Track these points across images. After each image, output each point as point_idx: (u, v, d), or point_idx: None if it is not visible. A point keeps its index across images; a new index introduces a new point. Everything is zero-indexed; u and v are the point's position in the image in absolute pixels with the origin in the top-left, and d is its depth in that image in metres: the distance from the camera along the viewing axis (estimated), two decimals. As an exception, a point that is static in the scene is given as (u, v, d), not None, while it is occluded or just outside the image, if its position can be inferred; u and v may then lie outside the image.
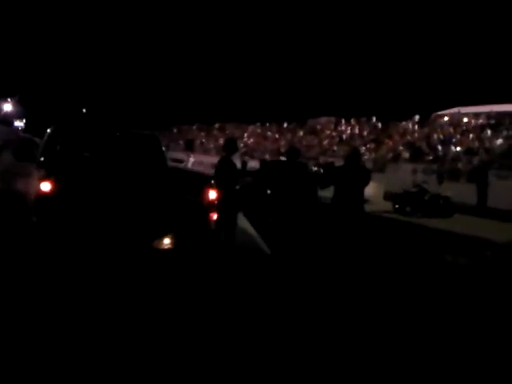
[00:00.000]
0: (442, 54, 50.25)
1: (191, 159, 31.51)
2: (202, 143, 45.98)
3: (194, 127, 51.68)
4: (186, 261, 5.52)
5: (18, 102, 40.46)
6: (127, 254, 5.23)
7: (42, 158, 6.53)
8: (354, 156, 6.71)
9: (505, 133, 27.49)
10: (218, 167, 7.28)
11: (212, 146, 43.62)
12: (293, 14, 66.08)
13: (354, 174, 6.61)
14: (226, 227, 6.78)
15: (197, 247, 5.63)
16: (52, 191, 5.27)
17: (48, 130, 7.44)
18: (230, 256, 6.46)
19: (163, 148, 7.75)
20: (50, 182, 5.32)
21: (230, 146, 7.48)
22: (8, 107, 38.00)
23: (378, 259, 7.72)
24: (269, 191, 8.36)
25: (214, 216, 5.91)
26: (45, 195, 5.28)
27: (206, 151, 41.69)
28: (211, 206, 5.88)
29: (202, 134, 49.24)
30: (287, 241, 7.14)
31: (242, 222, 8.25)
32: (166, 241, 5.41)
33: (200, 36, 64.48)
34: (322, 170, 17.87)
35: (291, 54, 61.94)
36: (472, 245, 10.82)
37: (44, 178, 5.38)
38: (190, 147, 39.50)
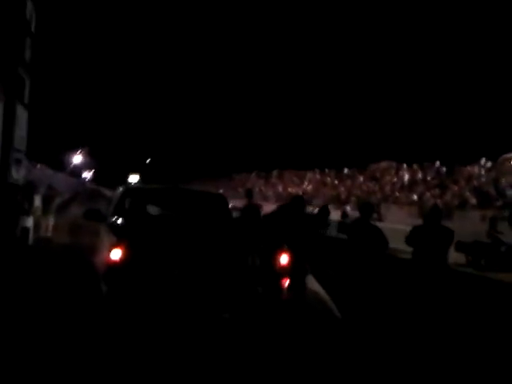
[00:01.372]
0: (508, 93, 48.67)
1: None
2: (260, 190, 46.15)
3: (253, 175, 52.11)
4: (258, 332, 5.22)
5: (88, 154, 42.45)
6: (201, 326, 4.98)
7: (113, 220, 6.48)
8: (434, 214, 6.30)
9: None
10: (287, 225, 7.06)
11: (271, 193, 43.68)
12: (349, 58, 66.67)
13: (436, 234, 6.19)
14: (295, 291, 6.48)
15: (270, 319, 5.31)
16: (125, 259, 5.09)
17: (119, 189, 7.49)
18: (300, 323, 6.12)
19: (230, 206, 7.65)
20: (123, 248, 5.16)
21: (299, 204, 7.26)
22: (77, 159, 39.90)
23: (459, 326, 7.09)
24: None
25: (286, 283, 5.62)
26: (117, 263, 5.11)
27: (264, 199, 41.74)
28: (284, 270, 5.60)
29: (261, 181, 49.50)
30: (360, 302, 6.74)
31: (312, 282, 7.92)
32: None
33: (254, 87, 65.98)
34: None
35: (350, 97, 62.01)
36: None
37: (116, 244, 5.24)
38: (249, 196, 39.71)
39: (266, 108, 61.13)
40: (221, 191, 44.94)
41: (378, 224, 20.52)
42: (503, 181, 28.83)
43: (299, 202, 7.31)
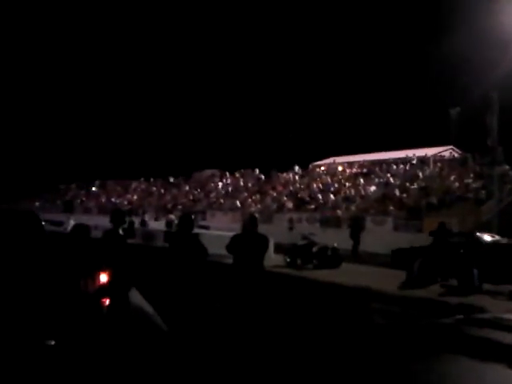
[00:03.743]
0: (308, 108, 53.92)
1: (71, 222, 29.76)
2: (82, 202, 43.75)
3: (73, 186, 49.11)
4: (85, 354, 4.93)
5: None
6: (21, 355, 4.49)
7: None
8: (251, 223, 6.61)
9: (376, 180, 29.69)
10: (104, 243, 6.77)
11: (93, 204, 41.68)
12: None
13: (253, 241, 6.50)
14: (118, 308, 6.25)
15: (88, 343, 5.04)
16: None
17: None
18: (125, 339, 5.95)
19: (43, 224, 7.09)
20: None
21: (117, 218, 7.00)
22: None
23: (275, 328, 7.58)
24: None
25: (107, 302, 5.40)
26: None
27: (86, 211, 39.69)
28: (103, 290, 5.36)
29: (82, 192, 46.95)
30: (185, 315, 6.77)
31: (135, 297, 7.73)
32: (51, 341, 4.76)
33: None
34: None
35: (172, 106, 62.44)
36: (360, 296, 11.25)
37: None
38: (69, 209, 37.38)
39: (82, 118, 58.38)
40: (37, 204, 41.53)
41: (205, 232, 20.84)
42: (314, 186, 31.76)
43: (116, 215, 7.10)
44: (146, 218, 29.13)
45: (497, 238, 13.76)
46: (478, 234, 13.61)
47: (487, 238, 13.43)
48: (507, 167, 24.54)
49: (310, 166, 37.90)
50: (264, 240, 6.52)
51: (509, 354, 6.70)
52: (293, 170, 36.23)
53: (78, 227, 6.19)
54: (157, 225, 27.25)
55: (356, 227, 20.18)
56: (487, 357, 6.48)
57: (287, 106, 58.26)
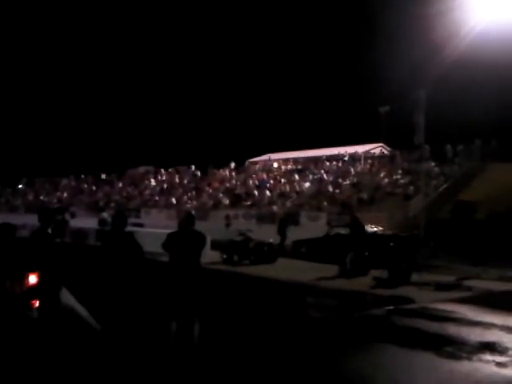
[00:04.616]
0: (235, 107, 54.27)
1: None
2: (7, 200, 41.60)
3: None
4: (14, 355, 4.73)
5: None
6: None
7: None
8: (187, 220, 6.54)
9: (310, 176, 30.31)
10: (32, 242, 6.49)
11: (20, 203, 39.73)
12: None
13: (189, 238, 6.44)
14: (48, 309, 6.02)
15: (17, 346, 4.83)
16: None
17: None
18: (56, 340, 5.75)
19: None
20: None
21: (45, 216, 6.74)
22: None
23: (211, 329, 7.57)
24: None
25: (36, 303, 5.19)
26: None
27: (12, 209, 37.80)
28: (32, 291, 5.15)
29: (8, 190, 44.61)
30: (120, 313, 6.61)
31: (66, 297, 7.48)
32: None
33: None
34: None
35: (103, 101, 60.76)
36: (295, 291, 11.46)
37: None
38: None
39: (7, 113, 55.58)
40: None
41: (139, 229, 20.41)
42: (250, 182, 31.93)
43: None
44: (67, 216, 28.07)
45: (378, 229, 17.07)
46: (368, 226, 16.17)
47: (373, 229, 16.66)
48: (433, 164, 25.81)
49: (246, 162, 38.11)
50: (201, 237, 6.47)
51: (434, 341, 7.05)
52: (229, 166, 36.26)
53: (3, 226, 5.89)
54: (89, 223, 26.36)
55: (283, 224, 20.65)
56: (415, 345, 6.79)
57: (223, 102, 58.32)
